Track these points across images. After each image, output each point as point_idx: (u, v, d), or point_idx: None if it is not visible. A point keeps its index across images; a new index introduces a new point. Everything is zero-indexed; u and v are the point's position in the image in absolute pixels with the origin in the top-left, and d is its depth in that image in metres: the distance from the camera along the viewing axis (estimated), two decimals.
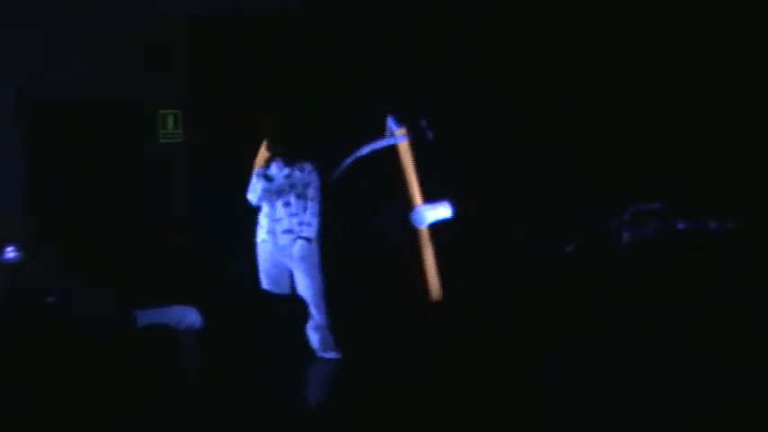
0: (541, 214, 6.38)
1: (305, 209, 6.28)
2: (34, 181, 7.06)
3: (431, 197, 5.52)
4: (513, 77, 6.68)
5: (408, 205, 5.62)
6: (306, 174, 6.33)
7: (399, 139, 5.56)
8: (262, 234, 6.34)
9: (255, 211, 6.43)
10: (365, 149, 5.69)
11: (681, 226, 6.00)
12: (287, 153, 6.33)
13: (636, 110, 6.58)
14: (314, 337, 6.25)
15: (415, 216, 5.46)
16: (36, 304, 4.61)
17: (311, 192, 6.30)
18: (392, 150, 5.95)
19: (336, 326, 6.38)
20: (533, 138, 6.52)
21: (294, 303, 5.51)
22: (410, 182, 5.49)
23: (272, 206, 6.32)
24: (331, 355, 6.29)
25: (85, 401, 2.86)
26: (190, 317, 5.41)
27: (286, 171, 6.32)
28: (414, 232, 5.56)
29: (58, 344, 3.15)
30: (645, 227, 5.98)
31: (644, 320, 5.47)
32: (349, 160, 5.71)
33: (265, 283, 6.28)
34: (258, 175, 6.35)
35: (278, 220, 6.30)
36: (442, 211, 5.45)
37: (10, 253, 6.05)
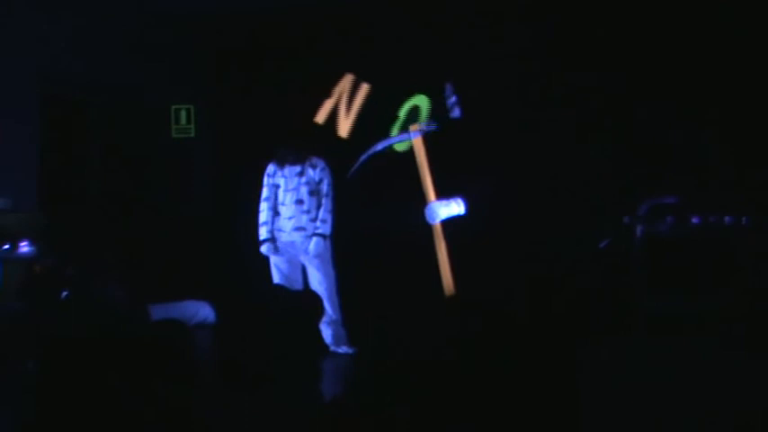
0: (561, 210, 6.36)
1: (318, 206, 6.28)
2: (47, 175, 7.07)
3: (446, 193, 5.48)
4: (532, 70, 6.65)
5: (422, 201, 5.59)
6: (318, 171, 6.33)
7: (414, 134, 5.51)
8: (273, 231, 6.32)
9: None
10: (381, 144, 5.65)
11: (695, 221, 5.96)
12: (299, 150, 6.31)
13: (654, 104, 6.54)
14: (327, 332, 6.25)
15: (427, 212, 5.41)
16: (50, 299, 4.62)
17: (324, 188, 6.30)
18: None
19: (349, 321, 6.38)
20: (554, 133, 6.50)
21: (307, 298, 5.50)
22: (424, 177, 5.44)
23: (284, 203, 6.30)
24: (344, 350, 6.30)
25: (98, 395, 2.87)
26: (203, 312, 5.42)
27: (298, 168, 6.31)
28: (428, 227, 5.53)
29: (71, 338, 3.15)
30: (660, 222, 5.94)
31: (660, 317, 5.44)
32: (365, 155, 5.66)
33: (278, 279, 6.27)
34: (270, 175, 6.33)
35: (290, 218, 6.28)
36: (455, 208, 5.40)
37: (24, 248, 6.07)
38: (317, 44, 7.35)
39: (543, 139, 6.50)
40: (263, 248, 6.33)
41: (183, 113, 7.85)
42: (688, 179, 6.30)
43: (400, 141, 5.59)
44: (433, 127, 5.41)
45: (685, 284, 5.61)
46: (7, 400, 3.87)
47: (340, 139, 5.98)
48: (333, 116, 6.82)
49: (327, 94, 5.91)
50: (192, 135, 7.86)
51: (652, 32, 6.53)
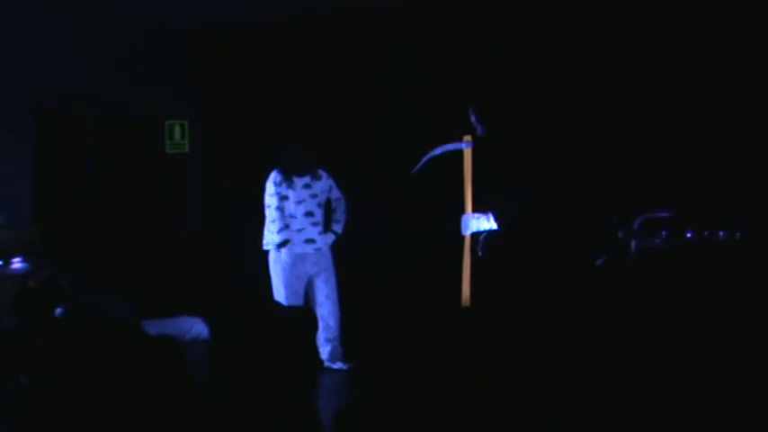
0: (562, 227, 6.37)
1: (325, 218, 6.33)
2: (41, 190, 7.05)
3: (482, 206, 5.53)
4: (528, 92, 6.69)
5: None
6: (323, 181, 6.33)
7: (466, 144, 5.55)
8: (281, 244, 6.23)
9: (262, 220, 6.38)
10: (438, 150, 5.69)
11: (690, 235, 5.98)
12: (309, 162, 6.30)
13: (646, 119, 6.58)
14: (324, 349, 6.21)
15: (462, 222, 5.47)
16: (45, 313, 4.60)
17: (336, 193, 6.42)
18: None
19: (347, 336, 6.35)
20: (551, 149, 6.52)
21: (303, 314, 5.49)
22: (466, 187, 5.48)
23: (293, 216, 6.23)
24: (338, 366, 6.26)
25: (91, 412, 2.85)
26: (196, 327, 5.39)
27: (306, 180, 6.27)
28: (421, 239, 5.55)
29: (65, 354, 3.14)
30: (654, 236, 5.95)
31: (654, 330, 5.44)
32: (425, 158, 5.71)
33: (283, 294, 6.16)
34: (277, 184, 6.24)
35: (300, 230, 6.23)
36: (487, 223, 5.45)
37: (17, 264, 6.04)
38: (315, 51, 7.38)
39: (539, 152, 6.52)
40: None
41: (177, 129, 7.84)
42: (682, 193, 6.33)
43: (455, 149, 5.62)
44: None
45: (681, 294, 5.63)
46: (3, 413, 3.85)
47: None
48: (330, 126, 6.85)
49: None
50: (186, 150, 7.84)
51: (644, 42, 6.57)
